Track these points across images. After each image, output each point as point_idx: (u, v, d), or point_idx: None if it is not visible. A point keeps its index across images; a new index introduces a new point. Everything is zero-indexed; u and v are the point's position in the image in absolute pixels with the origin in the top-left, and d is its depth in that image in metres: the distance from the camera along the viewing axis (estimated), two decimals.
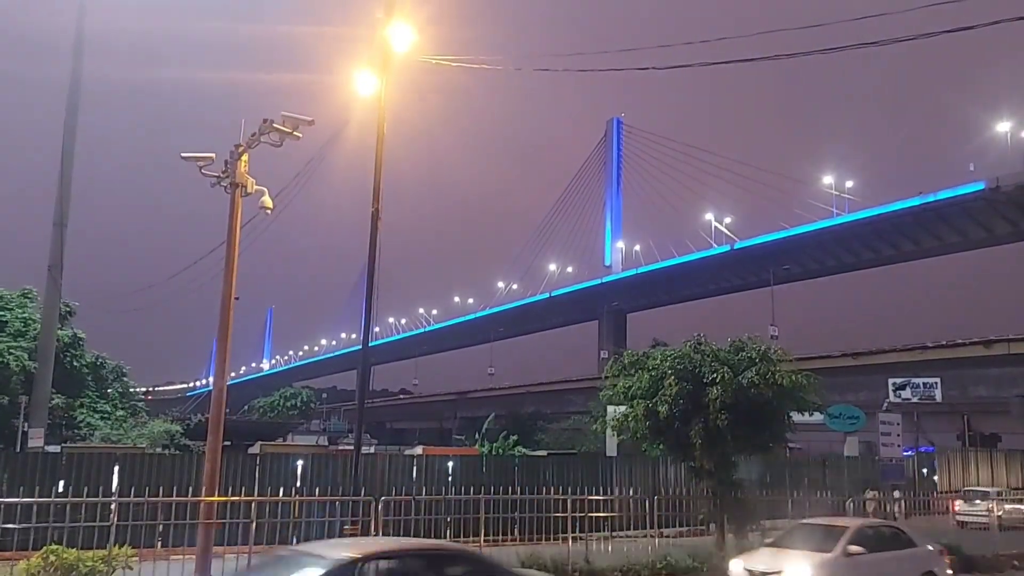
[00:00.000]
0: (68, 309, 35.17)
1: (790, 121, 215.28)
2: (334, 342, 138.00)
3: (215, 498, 12.01)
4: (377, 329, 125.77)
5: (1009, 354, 46.55)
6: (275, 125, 12.20)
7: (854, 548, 12.51)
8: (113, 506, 11.71)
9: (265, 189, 12.95)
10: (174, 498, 11.78)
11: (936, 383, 46.16)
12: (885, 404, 38.29)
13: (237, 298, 13.09)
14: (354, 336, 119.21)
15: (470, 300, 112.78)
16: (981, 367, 48.26)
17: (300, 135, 12.34)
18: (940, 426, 53.37)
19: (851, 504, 21.70)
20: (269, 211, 13.12)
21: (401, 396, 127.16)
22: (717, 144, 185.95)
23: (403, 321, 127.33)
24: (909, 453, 33.51)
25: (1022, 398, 46.36)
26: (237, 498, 12.30)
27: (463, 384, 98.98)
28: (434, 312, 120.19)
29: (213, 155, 12.80)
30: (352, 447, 17.59)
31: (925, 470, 33.26)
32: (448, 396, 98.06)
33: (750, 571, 12.75)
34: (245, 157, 12.71)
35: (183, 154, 12.72)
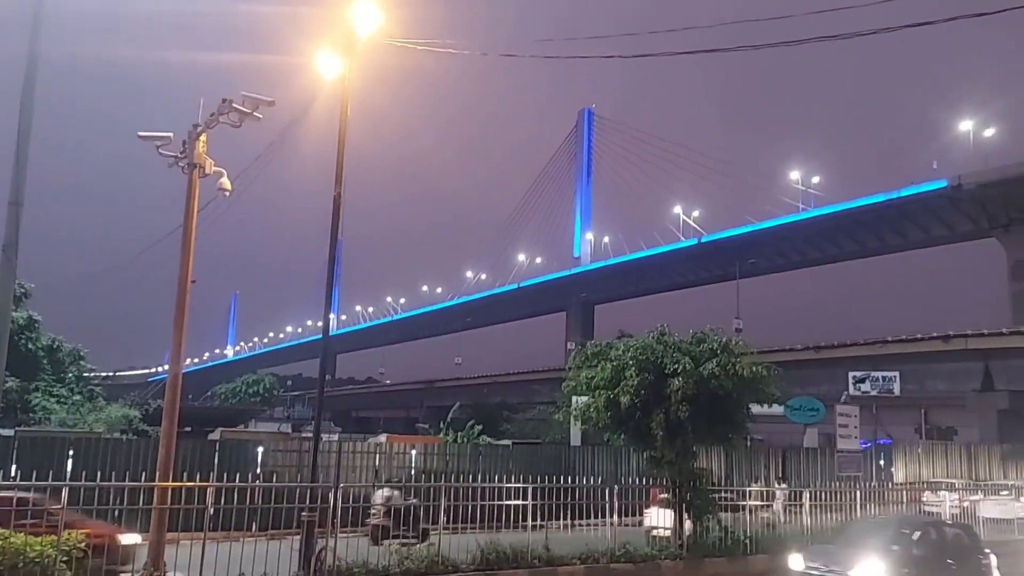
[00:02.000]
0: (23, 291, 34.51)
1: (759, 116, 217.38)
2: (299, 329, 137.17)
3: (168, 483, 11.82)
4: (344, 317, 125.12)
5: (967, 349, 47.51)
6: (235, 105, 11.99)
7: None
8: (64, 491, 11.44)
9: (224, 170, 12.72)
10: (126, 483, 11.55)
11: (895, 377, 47.11)
12: (844, 397, 38.86)
13: (194, 281, 12.86)
14: (320, 323, 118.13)
15: (439, 289, 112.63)
16: (939, 362, 49.18)
17: (261, 116, 12.12)
18: (898, 419, 54.45)
19: (808, 494, 21.90)
20: (228, 193, 12.89)
21: (368, 384, 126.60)
22: (686, 138, 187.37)
23: (370, 309, 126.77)
24: (866, 446, 34.07)
25: (978, 392, 47.37)
26: (191, 483, 12.09)
27: (431, 373, 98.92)
28: (402, 301, 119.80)
29: (171, 135, 12.56)
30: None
31: (882, 462, 33.86)
32: (415, 385, 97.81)
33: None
34: (204, 137, 12.48)
35: (140, 133, 12.47)
